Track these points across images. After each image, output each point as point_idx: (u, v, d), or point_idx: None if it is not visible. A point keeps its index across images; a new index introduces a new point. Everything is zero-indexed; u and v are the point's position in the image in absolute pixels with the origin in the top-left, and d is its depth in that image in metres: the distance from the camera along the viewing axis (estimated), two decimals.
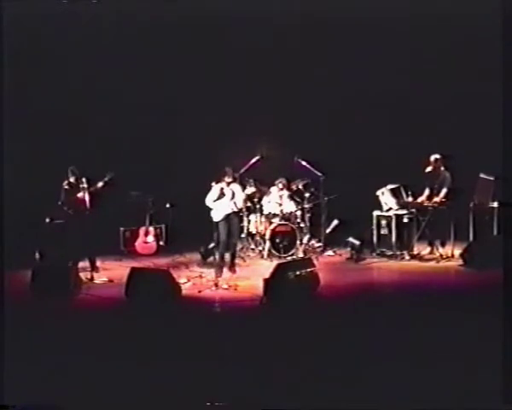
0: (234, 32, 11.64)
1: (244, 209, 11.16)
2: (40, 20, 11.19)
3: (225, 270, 9.96)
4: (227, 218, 9.86)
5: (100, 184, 10.04)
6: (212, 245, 10.11)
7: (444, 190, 10.59)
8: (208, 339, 6.87)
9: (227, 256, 10.14)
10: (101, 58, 11.69)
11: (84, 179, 9.90)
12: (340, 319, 7.35)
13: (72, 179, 9.92)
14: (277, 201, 11.46)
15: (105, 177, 10.07)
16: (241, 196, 10.08)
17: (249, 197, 11.09)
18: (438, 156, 10.68)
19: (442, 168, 10.74)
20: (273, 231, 11.01)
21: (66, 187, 9.90)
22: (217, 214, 9.84)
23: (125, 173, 10.92)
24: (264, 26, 11.58)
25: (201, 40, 11.80)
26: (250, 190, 10.68)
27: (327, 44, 11.87)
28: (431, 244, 10.87)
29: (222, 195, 9.88)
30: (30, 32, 11.21)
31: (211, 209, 9.88)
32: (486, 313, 6.88)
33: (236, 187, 10.08)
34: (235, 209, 9.99)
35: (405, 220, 10.82)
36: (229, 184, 9.94)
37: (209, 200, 9.89)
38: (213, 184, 10.01)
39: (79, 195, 9.86)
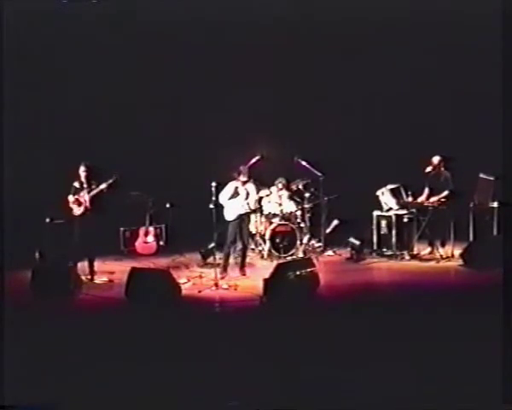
0: (234, 31, 11.64)
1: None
2: (40, 20, 11.19)
3: (229, 270, 9.88)
4: (239, 218, 9.71)
5: (103, 186, 9.78)
6: (211, 245, 10.04)
7: (445, 192, 10.59)
8: (208, 339, 6.87)
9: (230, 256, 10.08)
10: (101, 58, 11.68)
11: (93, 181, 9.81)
12: (340, 318, 7.35)
13: (83, 179, 9.79)
14: (277, 201, 11.44)
15: (109, 179, 9.84)
16: (254, 197, 9.83)
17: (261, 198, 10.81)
18: (439, 158, 10.68)
19: (442, 168, 10.75)
20: (273, 231, 11.00)
21: (77, 186, 9.80)
22: (229, 214, 9.68)
23: (125, 173, 10.89)
24: (264, 25, 11.57)
25: (202, 40, 11.79)
26: (264, 192, 10.15)
27: (327, 44, 11.87)
28: (431, 244, 10.87)
29: (236, 194, 9.69)
30: (30, 32, 11.21)
31: (223, 207, 9.64)
32: (486, 313, 6.87)
33: (251, 187, 9.82)
34: (248, 210, 9.82)
35: (405, 220, 10.82)
36: (244, 183, 9.73)
37: (223, 197, 9.64)
38: (232, 182, 9.74)
39: (81, 195, 9.78)
